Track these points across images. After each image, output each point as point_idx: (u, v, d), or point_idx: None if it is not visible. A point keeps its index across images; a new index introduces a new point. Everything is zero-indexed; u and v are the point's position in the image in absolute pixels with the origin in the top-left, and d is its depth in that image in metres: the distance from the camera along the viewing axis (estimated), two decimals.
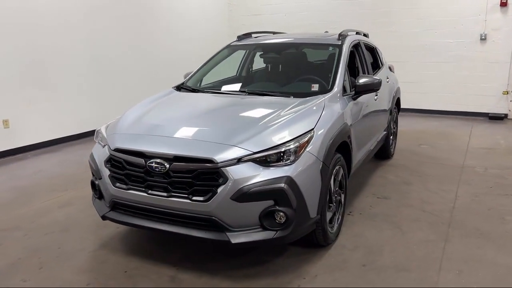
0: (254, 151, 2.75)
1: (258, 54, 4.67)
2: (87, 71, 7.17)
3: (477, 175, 5.12)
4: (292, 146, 2.82)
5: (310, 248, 3.34)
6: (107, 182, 3.05)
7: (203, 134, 2.92)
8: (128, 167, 2.95)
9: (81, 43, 7.01)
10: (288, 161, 2.79)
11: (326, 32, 5.44)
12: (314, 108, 3.28)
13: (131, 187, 2.95)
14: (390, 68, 5.93)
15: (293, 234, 2.84)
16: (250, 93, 3.75)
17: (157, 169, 2.80)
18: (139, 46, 8.17)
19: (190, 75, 4.42)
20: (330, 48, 4.27)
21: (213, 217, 2.73)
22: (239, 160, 2.72)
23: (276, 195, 2.72)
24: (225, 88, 4.07)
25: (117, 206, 3.09)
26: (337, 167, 3.35)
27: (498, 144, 6.63)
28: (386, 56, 9.24)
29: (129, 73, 8.00)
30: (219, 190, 2.69)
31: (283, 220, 2.78)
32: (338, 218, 3.51)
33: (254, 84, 4.34)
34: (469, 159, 5.78)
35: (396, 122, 5.98)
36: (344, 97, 3.75)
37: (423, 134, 7.34)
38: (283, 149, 2.79)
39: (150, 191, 2.88)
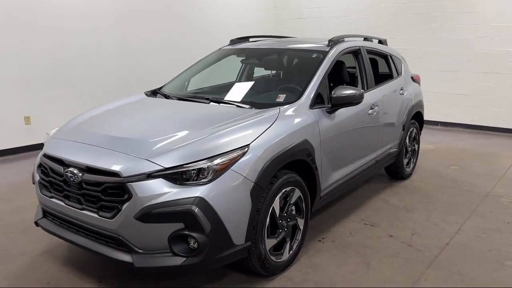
0: (166, 166, 2.48)
1: (240, 60, 4.36)
2: (114, 71, 7.27)
3: (499, 206, 4.39)
4: (210, 163, 2.51)
5: (253, 276, 2.99)
6: (37, 187, 2.96)
7: (123, 144, 2.70)
8: (51, 174, 2.83)
9: (110, 43, 7.12)
10: (204, 179, 2.49)
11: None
12: (261, 121, 2.93)
13: (54, 195, 2.83)
14: (413, 79, 5.30)
15: (208, 262, 2.53)
16: (212, 101, 3.48)
17: (71, 179, 2.65)
18: (174, 51, 8.14)
19: (171, 79, 4.25)
20: (314, 55, 3.86)
21: (119, 236, 2.51)
22: (149, 176, 2.47)
23: (185, 218, 2.43)
24: (195, 94, 3.84)
25: (46, 213, 2.99)
26: (287, 189, 2.98)
27: None
28: (435, 65, 8.54)
29: (160, 78, 8.00)
30: (123, 207, 2.46)
31: (195, 246, 2.48)
32: (291, 246, 3.12)
33: (227, 91, 4.04)
34: (500, 186, 4.99)
35: (416, 139, 5.35)
36: (314, 110, 3.34)
37: (461, 153, 6.54)
38: (198, 166, 2.50)
39: (67, 201, 2.73)
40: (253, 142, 2.72)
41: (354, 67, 4.31)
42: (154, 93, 3.99)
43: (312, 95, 3.39)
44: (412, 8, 8.67)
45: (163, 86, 4.16)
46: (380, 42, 5.07)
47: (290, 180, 2.99)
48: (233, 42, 4.61)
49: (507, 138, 7.57)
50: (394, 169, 5.02)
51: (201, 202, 2.43)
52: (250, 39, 4.69)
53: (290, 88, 3.66)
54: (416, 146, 5.37)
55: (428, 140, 7.22)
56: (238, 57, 4.32)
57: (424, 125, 8.40)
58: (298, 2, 10.23)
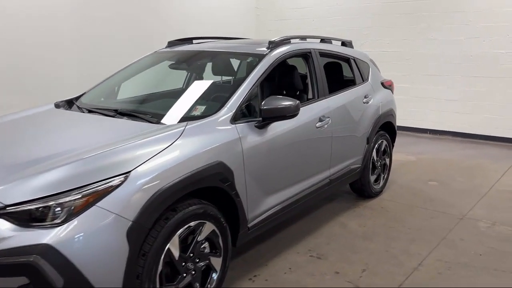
0: (7, 203, 1.94)
1: (168, 65, 3.80)
2: (75, 72, 6.60)
3: (474, 233, 3.80)
4: (64, 200, 1.96)
5: None
6: None
7: None
8: None
9: (69, 42, 6.44)
10: (57, 220, 1.95)
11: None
12: (156, 141, 2.39)
13: None
14: (383, 85, 4.72)
15: None
16: (120, 113, 2.93)
17: None
18: (145, 51, 7.51)
19: (92, 87, 3.71)
20: (249, 59, 3.32)
21: None
22: None
23: (28, 272, 1.89)
24: (108, 105, 3.31)
25: None
26: (192, 223, 2.42)
27: None
28: (423, 68, 7.92)
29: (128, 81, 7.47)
30: None
31: None
32: None
33: (149, 102, 3.50)
34: (480, 207, 4.39)
35: (387, 152, 4.75)
36: (238, 124, 2.79)
37: (445, 165, 5.92)
38: (47, 203, 1.95)
39: None
40: (135, 169, 2.17)
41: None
42: (69, 102, 3.45)
43: (236, 107, 2.84)
44: (398, 8, 8.09)
45: (83, 94, 3.62)
46: (344, 44, 4.50)
47: (197, 213, 2.44)
48: (171, 44, 4.06)
49: (498, 148, 6.94)
50: (360, 186, 4.44)
51: (48, 251, 1.89)
52: (194, 41, 4.15)
53: (217, 97, 3.11)
54: (387, 160, 4.78)
55: (411, 150, 6.63)
56: (170, 61, 3.77)
57: (413, 133, 7.90)
58: (281, 2, 9.71)
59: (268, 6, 9.95)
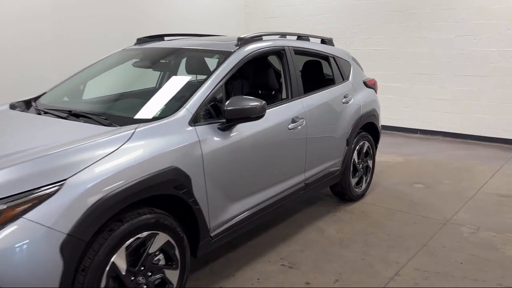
0: None
1: (132, 63, 3.60)
2: (55, 74, 6.38)
3: (456, 239, 3.62)
4: None
5: None
6: None
7: None
8: None
9: (50, 47, 6.21)
10: None
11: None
12: (101, 145, 2.19)
13: None
14: (366, 84, 4.53)
15: None
16: (74, 115, 2.74)
17: None
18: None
19: (53, 86, 3.52)
20: (215, 57, 3.13)
21: None
22: None
23: None
24: (66, 106, 3.11)
25: None
26: (142, 235, 2.24)
27: None
28: (413, 67, 7.74)
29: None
30: None
31: None
32: None
33: (105, 103, 3.30)
34: (465, 211, 4.21)
35: (370, 154, 4.56)
36: (198, 126, 2.60)
37: (433, 167, 5.74)
38: None
39: None
40: (73, 177, 1.98)
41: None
42: (27, 103, 3.26)
43: (197, 107, 2.65)
44: (388, 5, 7.90)
45: (43, 94, 3.43)
46: (323, 41, 4.31)
47: (147, 223, 2.25)
48: (140, 41, 3.87)
49: (489, 148, 6.76)
50: (340, 190, 4.26)
51: None
52: (166, 38, 3.96)
53: (180, 97, 2.91)
54: (370, 162, 4.59)
55: (400, 151, 6.44)
56: (136, 59, 3.58)
57: (403, 134, 7.72)
58: (270, 0, 9.53)
59: (257, 4, 9.77)
